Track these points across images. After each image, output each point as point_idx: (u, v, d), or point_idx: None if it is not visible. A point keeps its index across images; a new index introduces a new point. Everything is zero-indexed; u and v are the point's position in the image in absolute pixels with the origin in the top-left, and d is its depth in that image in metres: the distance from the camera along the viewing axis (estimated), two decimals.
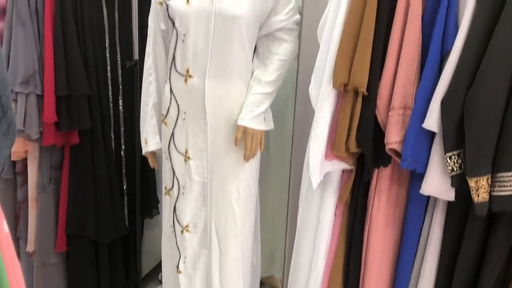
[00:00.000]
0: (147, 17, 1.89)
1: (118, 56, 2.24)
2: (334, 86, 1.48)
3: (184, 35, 1.68)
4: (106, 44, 2.20)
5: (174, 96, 1.76)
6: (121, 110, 2.26)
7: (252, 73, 1.77)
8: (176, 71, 1.74)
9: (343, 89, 1.48)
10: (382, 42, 1.43)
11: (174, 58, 1.73)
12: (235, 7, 1.63)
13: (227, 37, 1.66)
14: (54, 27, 1.95)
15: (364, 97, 1.46)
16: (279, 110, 2.08)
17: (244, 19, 1.65)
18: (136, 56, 2.21)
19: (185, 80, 1.72)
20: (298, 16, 1.77)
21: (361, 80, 1.44)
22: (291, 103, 2.07)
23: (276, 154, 2.31)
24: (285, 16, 1.73)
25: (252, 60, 1.77)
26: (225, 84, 1.72)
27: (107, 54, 2.20)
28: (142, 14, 2.19)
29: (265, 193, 2.21)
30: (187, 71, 1.71)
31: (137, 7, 2.17)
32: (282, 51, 1.75)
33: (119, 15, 2.21)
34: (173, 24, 1.69)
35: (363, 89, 1.44)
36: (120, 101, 2.26)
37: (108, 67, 2.21)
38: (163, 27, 1.78)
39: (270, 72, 1.73)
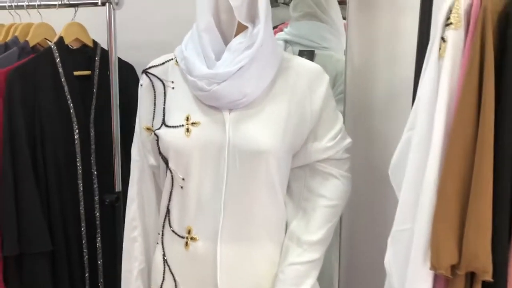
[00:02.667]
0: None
1: (95, 187, 1.67)
2: (435, 268, 0.89)
3: (183, 179, 1.11)
4: (79, 171, 1.63)
5: (169, 267, 1.17)
6: (100, 263, 1.65)
7: (286, 224, 1.19)
8: (172, 231, 1.16)
9: (450, 273, 0.89)
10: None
11: (168, 211, 1.16)
12: (259, 137, 1.08)
13: (247, 180, 1.10)
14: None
15: (485, 285, 0.88)
16: None
17: (272, 155, 1.09)
18: (119, 186, 1.63)
19: (186, 244, 1.13)
20: (349, 141, 1.21)
21: (484, 259, 0.86)
22: None
23: None
24: (330, 143, 1.17)
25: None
26: (246, 249, 1.13)
27: (79, 185, 1.63)
28: (128, 129, 1.65)
29: None
30: (189, 232, 1.13)
31: (118, 119, 1.62)
32: (330, 193, 1.18)
33: (97, 132, 1.67)
34: (166, 163, 1.13)
35: (487, 276, 0.85)
36: (98, 250, 1.66)
37: (81, 204, 1.64)
38: (152, 161, 1.22)
39: (316, 227, 1.15)
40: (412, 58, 1.45)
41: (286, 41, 1.67)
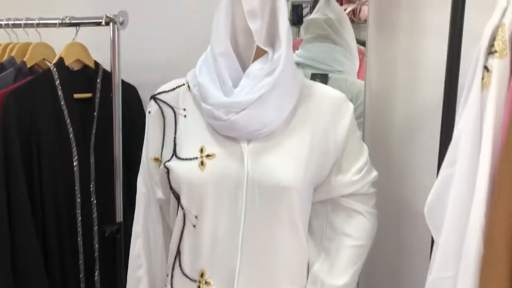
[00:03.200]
0: (139, 158, 1.27)
1: (94, 217, 1.57)
2: None
3: (196, 217, 1.02)
4: (77, 200, 1.53)
5: None
6: None
7: (308, 265, 1.09)
8: (183, 273, 1.05)
9: None
10: None
11: (179, 252, 1.06)
12: (281, 171, 0.99)
13: (268, 218, 1.00)
14: None
15: None
16: None
17: (295, 190, 1.00)
18: (120, 217, 1.53)
19: None
20: (375, 174, 1.12)
21: None
22: None
23: None
24: (356, 176, 1.08)
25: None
26: None
27: (78, 215, 1.53)
28: (130, 155, 1.56)
29: None
30: (202, 275, 1.03)
31: (121, 145, 1.52)
32: (355, 231, 1.08)
33: (97, 158, 1.57)
34: (178, 198, 1.03)
35: None
36: (96, 285, 1.55)
37: (79, 234, 1.53)
38: (160, 195, 1.12)
39: (340, 270, 1.05)
40: (432, 82, 1.38)
41: (298, 64, 1.59)
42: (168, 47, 1.73)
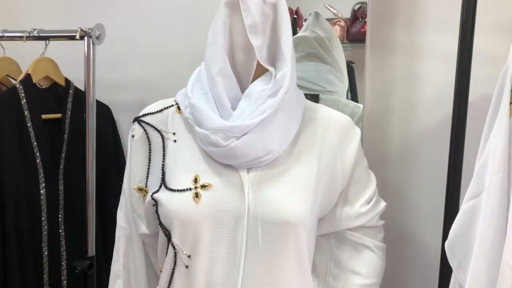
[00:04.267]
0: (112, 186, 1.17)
1: (63, 251, 1.41)
2: None
3: (190, 256, 0.89)
4: (44, 233, 1.37)
5: None
6: None
7: None
8: None
9: None
10: None
11: None
12: (287, 204, 0.88)
13: (272, 257, 0.89)
14: None
15: None
16: None
17: (303, 225, 0.89)
18: (92, 251, 1.38)
19: None
20: (384, 205, 1.03)
21: None
22: None
23: None
24: (364, 208, 0.98)
25: None
26: None
27: (44, 249, 1.37)
28: (103, 183, 1.42)
29: None
30: None
31: (94, 171, 1.37)
32: (365, 268, 0.98)
33: (66, 186, 1.42)
34: (168, 236, 0.91)
35: None
36: None
37: (45, 271, 1.37)
38: (144, 230, 0.99)
39: None
40: (430, 104, 1.32)
41: None
42: (146, 64, 1.60)
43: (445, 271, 1.08)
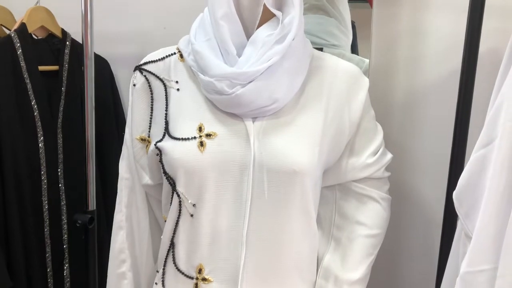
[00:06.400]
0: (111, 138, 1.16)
1: (63, 205, 1.40)
2: None
3: (195, 205, 0.88)
4: (43, 186, 1.36)
5: None
6: None
7: (318, 258, 0.98)
8: (178, 269, 0.91)
9: None
10: None
11: (173, 245, 0.92)
12: (293, 153, 0.86)
13: (277, 206, 0.88)
14: None
15: None
16: None
17: (309, 175, 0.87)
18: (92, 205, 1.36)
19: (196, 286, 0.90)
20: (390, 157, 1.02)
21: None
22: None
23: None
24: (371, 159, 0.97)
25: None
26: None
27: (44, 203, 1.36)
28: (102, 134, 1.40)
29: None
30: (200, 271, 0.90)
31: (93, 123, 1.34)
32: (370, 219, 0.97)
33: (65, 138, 1.40)
34: (172, 185, 0.89)
35: None
36: (66, 280, 1.39)
37: (46, 225, 1.37)
38: (147, 180, 0.98)
39: (355, 262, 0.95)
40: (437, 58, 1.29)
41: None
42: (144, 16, 1.55)
43: (449, 223, 1.08)
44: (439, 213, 1.16)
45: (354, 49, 1.46)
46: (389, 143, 1.07)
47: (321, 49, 1.45)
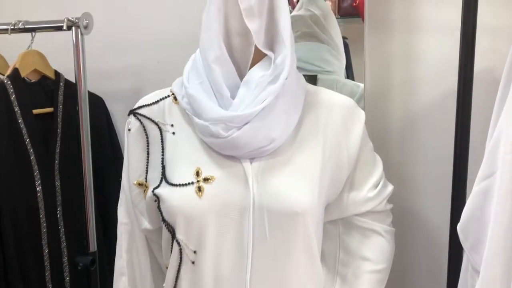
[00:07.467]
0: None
1: (63, 247, 1.38)
2: None
3: (195, 252, 0.86)
4: (43, 230, 1.34)
5: None
6: None
7: None
8: None
9: None
10: None
11: None
12: (293, 193, 0.85)
13: (280, 249, 0.86)
14: None
15: None
16: None
17: (311, 215, 0.86)
18: (94, 246, 1.35)
19: None
20: (391, 188, 1.00)
21: None
22: None
23: None
24: (372, 193, 0.96)
25: None
26: None
27: (44, 247, 1.34)
28: (99, 175, 1.38)
29: None
30: None
31: (91, 164, 1.33)
32: (375, 254, 0.96)
33: (63, 180, 1.38)
34: (172, 232, 0.88)
35: None
36: None
37: (47, 269, 1.35)
38: (146, 225, 0.97)
39: None
40: (432, 79, 1.29)
41: None
42: (137, 51, 1.55)
43: (455, 253, 1.07)
44: (444, 240, 1.13)
45: (348, 69, 1.46)
46: (388, 169, 1.06)
47: (315, 76, 1.46)
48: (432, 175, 1.28)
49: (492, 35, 1.19)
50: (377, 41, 1.31)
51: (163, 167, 0.91)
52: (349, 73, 1.45)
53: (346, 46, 1.47)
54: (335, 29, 1.48)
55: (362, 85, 1.37)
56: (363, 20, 1.37)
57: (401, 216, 1.27)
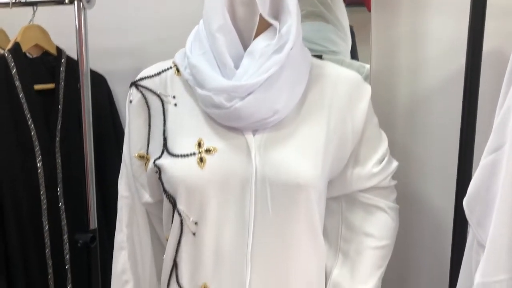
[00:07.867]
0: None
1: (64, 225, 1.37)
2: None
3: (196, 223, 0.85)
4: (43, 207, 1.34)
5: None
6: None
7: (326, 273, 0.95)
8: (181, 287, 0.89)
9: None
10: None
11: (176, 264, 0.89)
12: (297, 166, 0.84)
13: (282, 221, 0.85)
14: None
15: None
16: None
17: (314, 187, 0.85)
18: (94, 223, 1.34)
19: None
20: (396, 165, 0.99)
21: None
22: None
23: None
24: (376, 168, 0.94)
25: None
26: None
27: (44, 224, 1.33)
28: (100, 152, 1.37)
29: None
30: None
31: (92, 141, 1.32)
32: (378, 230, 0.95)
33: (64, 157, 1.37)
34: (173, 203, 0.87)
35: None
36: None
37: (47, 246, 1.34)
38: (147, 198, 0.95)
39: (365, 275, 0.92)
40: (438, 60, 1.27)
41: None
42: (141, 30, 1.53)
43: (460, 230, 1.05)
44: (449, 219, 1.12)
45: (353, 54, 1.44)
46: (393, 149, 1.05)
47: (320, 56, 1.43)
48: (437, 155, 1.27)
49: (503, 15, 1.16)
50: (383, 22, 1.30)
51: (165, 139, 0.89)
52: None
53: (352, 32, 1.45)
54: (341, 9, 1.46)
55: (368, 66, 1.35)
56: (368, 9, 1.36)
57: (406, 197, 1.26)
